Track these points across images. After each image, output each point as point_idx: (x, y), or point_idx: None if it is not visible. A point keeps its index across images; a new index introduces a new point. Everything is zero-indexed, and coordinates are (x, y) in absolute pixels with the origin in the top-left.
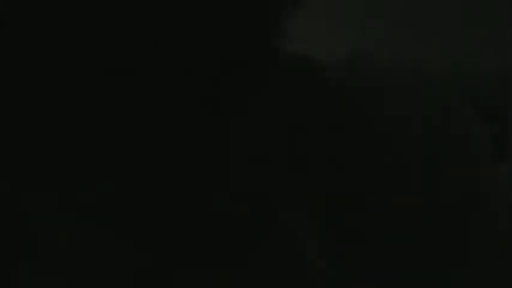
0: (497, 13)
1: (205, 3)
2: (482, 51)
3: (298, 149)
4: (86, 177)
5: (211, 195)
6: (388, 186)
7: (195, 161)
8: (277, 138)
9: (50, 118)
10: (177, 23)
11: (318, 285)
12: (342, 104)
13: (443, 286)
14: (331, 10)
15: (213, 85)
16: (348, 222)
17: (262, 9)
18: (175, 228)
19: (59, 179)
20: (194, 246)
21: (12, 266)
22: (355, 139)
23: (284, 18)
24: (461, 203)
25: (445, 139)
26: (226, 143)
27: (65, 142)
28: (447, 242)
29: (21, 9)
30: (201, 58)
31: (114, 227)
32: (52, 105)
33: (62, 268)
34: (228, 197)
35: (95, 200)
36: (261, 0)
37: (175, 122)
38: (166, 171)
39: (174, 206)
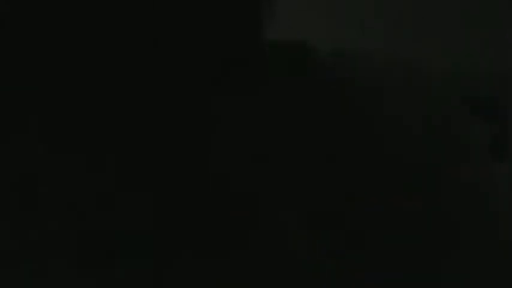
0: (497, 13)
1: (199, 4)
2: (482, 51)
3: (298, 149)
4: (87, 179)
5: (211, 195)
6: (388, 186)
7: (195, 161)
8: (277, 138)
9: (51, 116)
10: (174, 24)
11: (315, 284)
12: (342, 104)
13: (443, 286)
14: (331, 10)
15: (213, 85)
16: (348, 222)
17: (254, 7)
18: (175, 225)
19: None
20: (194, 241)
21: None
22: (355, 139)
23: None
24: (460, 203)
25: (445, 139)
26: (226, 143)
27: (69, 139)
28: (447, 241)
29: (23, 9)
30: (199, 57)
31: (118, 226)
32: (53, 103)
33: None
34: (228, 196)
35: (96, 198)
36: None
37: (175, 121)
38: (167, 170)
39: (175, 205)
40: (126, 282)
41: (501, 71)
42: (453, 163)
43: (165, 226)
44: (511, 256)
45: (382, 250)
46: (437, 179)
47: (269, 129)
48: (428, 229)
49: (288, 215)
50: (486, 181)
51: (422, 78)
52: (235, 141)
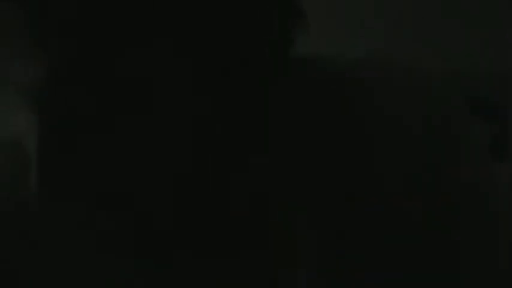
0: (497, 13)
1: (218, 12)
2: (482, 51)
3: (298, 149)
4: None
5: (213, 196)
6: (388, 186)
7: (196, 160)
8: (277, 138)
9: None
10: (196, 30)
11: (317, 284)
12: (341, 104)
13: (443, 286)
14: (331, 10)
15: (222, 87)
16: (348, 222)
17: (270, 19)
18: (175, 225)
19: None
20: (194, 241)
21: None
22: (354, 139)
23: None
24: (460, 203)
25: (445, 139)
26: (227, 142)
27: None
28: (447, 242)
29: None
30: (212, 61)
31: (117, 226)
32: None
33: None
34: (229, 196)
35: (101, 198)
36: (268, 12)
37: (175, 119)
38: (170, 171)
39: (174, 205)
40: (125, 282)
41: (501, 71)
42: (453, 163)
43: (165, 226)
44: (511, 256)
45: (382, 250)
46: (437, 179)
47: (269, 128)
48: (428, 229)
49: (288, 214)
50: (486, 181)
51: (422, 78)
52: (236, 140)
